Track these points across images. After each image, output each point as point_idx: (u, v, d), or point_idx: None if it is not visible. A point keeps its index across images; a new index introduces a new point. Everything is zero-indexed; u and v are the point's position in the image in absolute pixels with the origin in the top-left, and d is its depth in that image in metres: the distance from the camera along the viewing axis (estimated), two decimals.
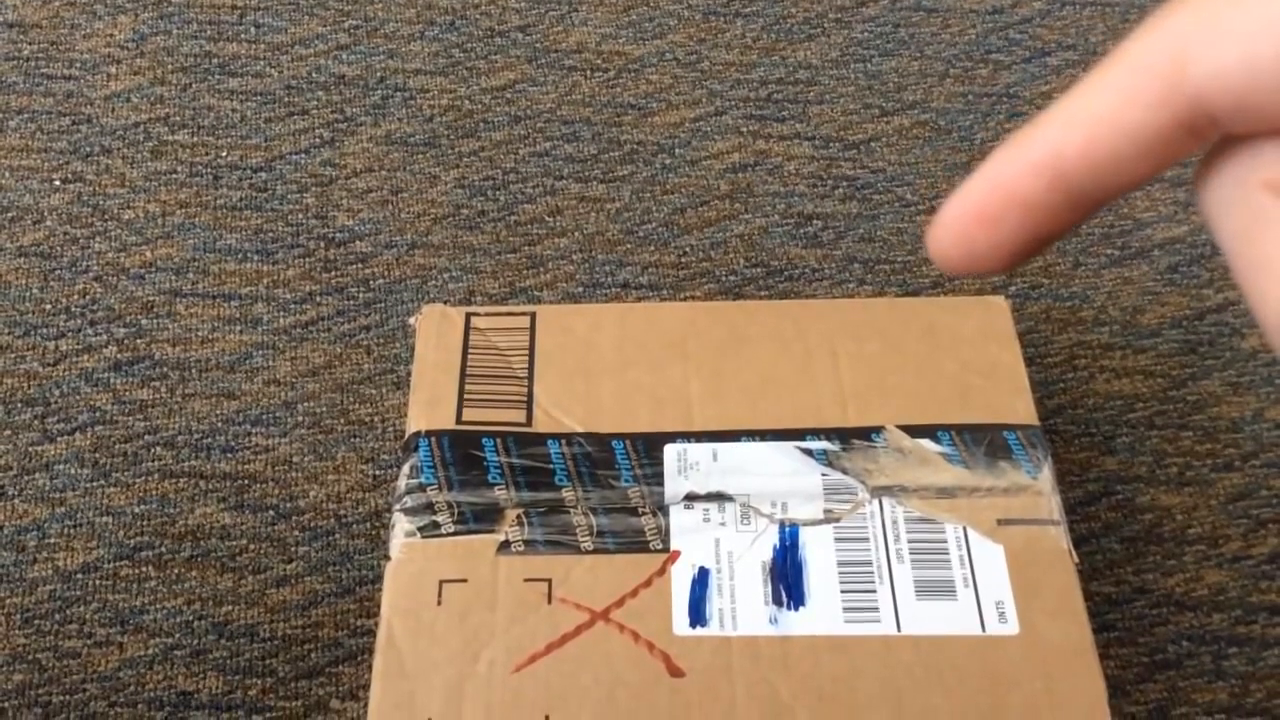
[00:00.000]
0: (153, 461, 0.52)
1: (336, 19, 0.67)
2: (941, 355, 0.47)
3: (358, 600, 0.49)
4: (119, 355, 0.55)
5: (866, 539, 0.42)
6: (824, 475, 0.44)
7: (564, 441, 0.45)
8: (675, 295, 0.58)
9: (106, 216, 0.59)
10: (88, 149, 0.62)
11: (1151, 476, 0.53)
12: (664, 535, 0.43)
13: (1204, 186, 0.17)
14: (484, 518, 0.43)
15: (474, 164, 0.62)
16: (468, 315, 0.49)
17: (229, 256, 0.58)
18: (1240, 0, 0.15)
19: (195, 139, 0.62)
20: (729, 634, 0.40)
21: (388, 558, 0.43)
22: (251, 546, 0.50)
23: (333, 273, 0.58)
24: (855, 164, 0.63)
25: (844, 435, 0.45)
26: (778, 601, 0.41)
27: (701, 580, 0.41)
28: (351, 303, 0.57)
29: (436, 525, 0.43)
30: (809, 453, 0.45)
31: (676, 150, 0.63)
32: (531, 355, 0.47)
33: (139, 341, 0.56)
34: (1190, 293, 0.58)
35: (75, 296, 0.57)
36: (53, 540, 0.50)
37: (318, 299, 0.57)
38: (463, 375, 0.47)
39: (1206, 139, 0.16)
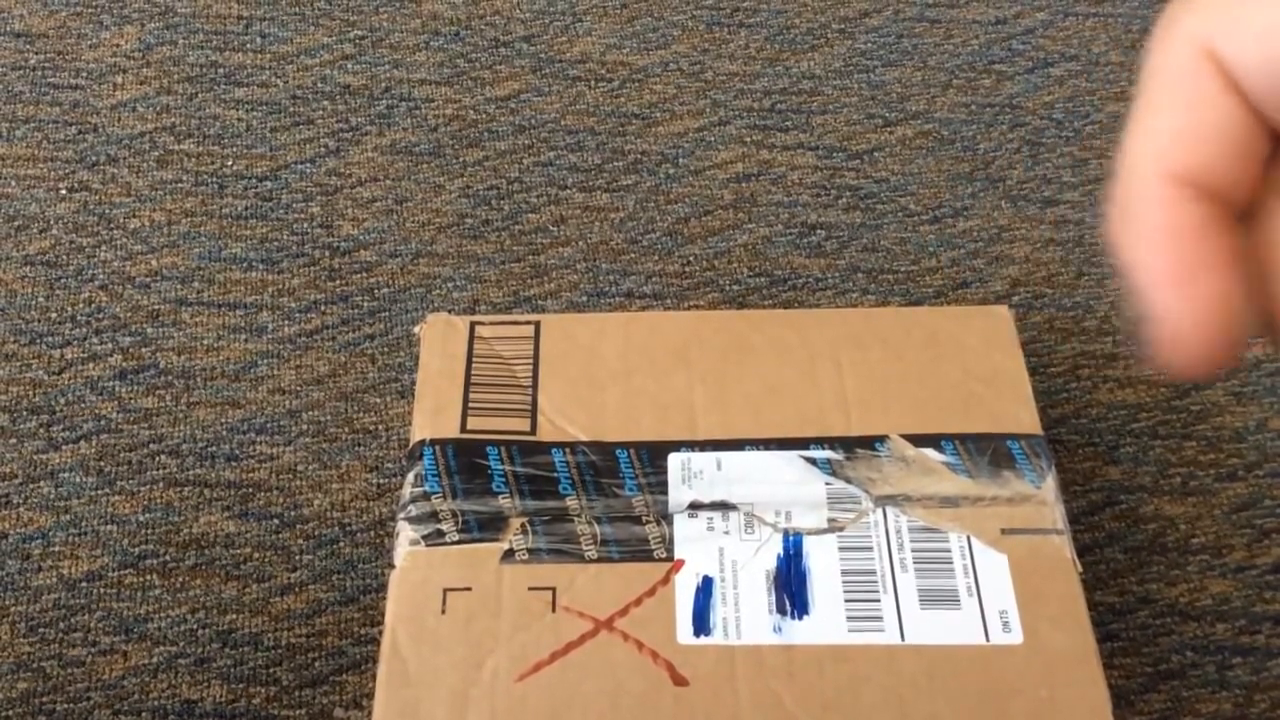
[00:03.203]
0: (157, 470, 0.53)
1: (342, 29, 0.67)
2: (945, 364, 0.47)
3: (362, 609, 0.49)
4: (124, 363, 0.55)
5: (870, 548, 0.42)
6: (828, 484, 0.44)
7: (568, 450, 0.45)
8: (679, 304, 0.58)
9: (112, 225, 0.60)
10: (94, 158, 0.62)
11: (1155, 486, 0.53)
12: (668, 544, 0.43)
13: None
14: (488, 526, 0.43)
15: (478, 173, 0.62)
16: (472, 324, 0.49)
17: (234, 265, 0.59)
18: (1249, 12, 0.15)
19: (201, 148, 0.63)
20: (733, 643, 0.40)
21: (392, 566, 0.43)
22: (256, 555, 0.51)
23: (337, 282, 0.58)
24: (859, 174, 0.63)
25: (848, 444, 0.45)
26: (781, 610, 0.41)
27: (705, 589, 0.42)
28: (356, 311, 0.57)
29: (441, 534, 0.43)
30: (813, 462, 0.45)
31: (680, 160, 0.63)
32: (536, 364, 0.47)
33: (144, 350, 0.56)
34: None
35: (81, 305, 0.57)
36: (57, 548, 0.51)
37: (322, 308, 0.57)
38: (467, 384, 0.47)
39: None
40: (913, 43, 0.68)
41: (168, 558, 0.50)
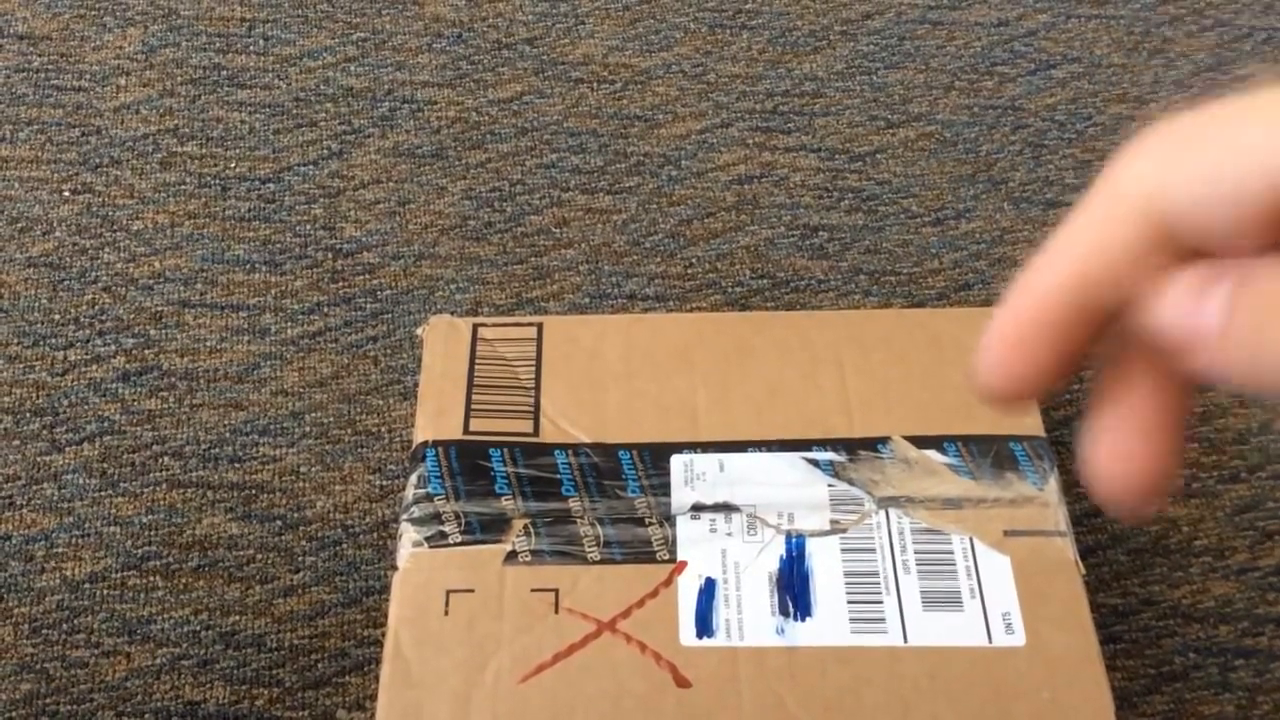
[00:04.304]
0: (160, 471, 0.53)
1: (345, 31, 0.68)
2: (947, 366, 0.47)
3: (365, 610, 0.49)
4: (127, 365, 0.55)
5: (873, 550, 0.42)
6: (830, 486, 0.44)
7: (571, 452, 0.45)
8: (681, 306, 0.58)
9: (115, 227, 0.60)
10: (97, 160, 0.62)
11: None
12: (670, 545, 0.43)
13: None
14: (491, 528, 0.43)
15: (481, 175, 0.62)
16: (475, 326, 0.49)
17: (237, 267, 0.59)
18: (1196, 143, 0.17)
19: (204, 150, 0.63)
20: (735, 644, 0.40)
21: (395, 568, 0.43)
22: (259, 556, 0.51)
23: (340, 283, 0.58)
24: (861, 176, 0.63)
25: (850, 446, 0.45)
26: (784, 612, 0.41)
27: (708, 591, 0.42)
28: (359, 313, 0.57)
29: (444, 535, 0.43)
30: (815, 463, 0.45)
31: (683, 162, 0.63)
32: (538, 366, 0.47)
33: (147, 352, 0.56)
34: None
35: (84, 307, 0.57)
36: (60, 550, 0.51)
37: (325, 310, 0.57)
38: (470, 386, 0.47)
39: (1179, 255, 0.18)
40: (915, 45, 0.68)
41: (171, 559, 0.50)
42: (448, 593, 0.42)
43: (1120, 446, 0.19)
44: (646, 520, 0.43)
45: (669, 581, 0.42)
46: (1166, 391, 0.19)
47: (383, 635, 0.42)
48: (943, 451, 0.45)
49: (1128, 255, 0.18)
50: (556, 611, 0.41)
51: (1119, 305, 0.19)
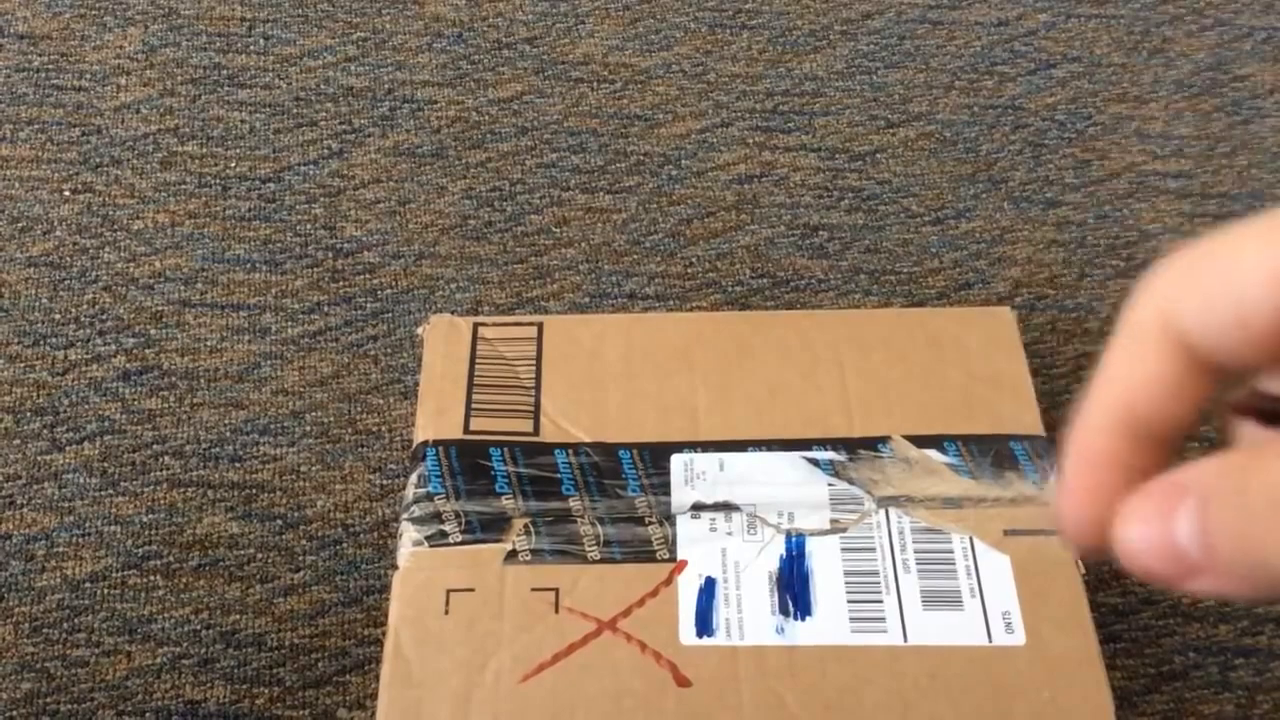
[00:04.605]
0: (161, 471, 0.53)
1: (345, 31, 0.68)
2: (947, 366, 0.47)
3: (365, 610, 0.49)
4: (128, 365, 0.55)
5: (873, 549, 0.42)
6: (830, 485, 0.44)
7: (571, 451, 0.45)
8: (681, 306, 0.58)
9: (116, 227, 0.60)
10: (97, 160, 0.62)
11: None
12: (671, 545, 0.43)
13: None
14: (491, 527, 0.43)
15: (481, 175, 0.62)
16: (475, 325, 0.49)
17: (237, 267, 0.59)
18: (1204, 267, 0.18)
19: (204, 150, 0.63)
20: (736, 644, 0.40)
21: (395, 567, 0.43)
22: (259, 555, 0.51)
23: (340, 283, 0.58)
24: (861, 175, 0.63)
25: (850, 445, 0.45)
26: (784, 611, 0.41)
27: (708, 590, 0.42)
28: (359, 313, 0.57)
29: (444, 534, 0.43)
30: (815, 463, 0.45)
31: (683, 161, 0.63)
32: (538, 365, 0.47)
33: (148, 351, 0.56)
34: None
35: (84, 306, 0.57)
36: (61, 549, 0.51)
37: (326, 309, 0.57)
38: (470, 385, 0.47)
39: (1216, 375, 0.19)
40: (915, 44, 0.68)
41: (171, 559, 0.50)
42: (448, 592, 0.42)
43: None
44: (647, 519, 0.43)
45: (669, 581, 0.42)
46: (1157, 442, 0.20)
47: (383, 634, 0.42)
48: (943, 451, 0.45)
49: (1161, 380, 0.19)
50: (557, 611, 0.41)
51: (1178, 428, 0.19)
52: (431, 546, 0.43)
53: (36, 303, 0.57)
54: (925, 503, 0.44)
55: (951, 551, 0.42)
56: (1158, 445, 0.20)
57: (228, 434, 0.54)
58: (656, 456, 0.45)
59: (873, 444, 0.45)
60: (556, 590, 0.42)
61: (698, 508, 0.44)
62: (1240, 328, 0.18)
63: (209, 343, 0.56)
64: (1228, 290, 0.18)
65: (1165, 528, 0.18)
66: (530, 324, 0.49)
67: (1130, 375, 0.19)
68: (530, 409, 0.46)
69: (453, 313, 0.52)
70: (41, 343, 0.56)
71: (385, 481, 0.52)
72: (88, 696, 0.47)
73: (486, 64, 0.67)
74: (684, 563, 0.42)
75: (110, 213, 0.60)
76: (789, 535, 0.43)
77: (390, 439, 0.54)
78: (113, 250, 0.59)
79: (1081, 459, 0.20)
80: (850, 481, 0.44)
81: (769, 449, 0.45)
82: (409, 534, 0.43)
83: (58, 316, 0.57)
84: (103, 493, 0.52)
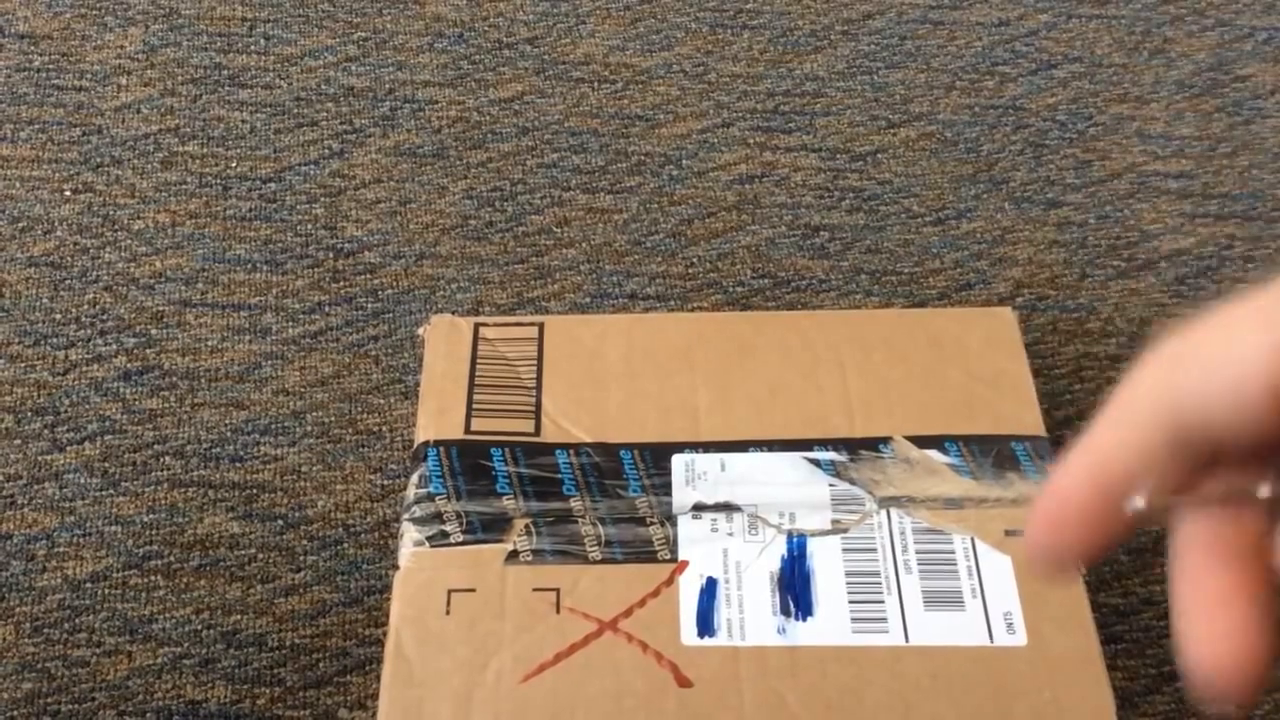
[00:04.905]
0: (162, 471, 0.53)
1: (346, 31, 0.68)
2: (948, 366, 0.47)
3: (366, 610, 0.49)
4: (128, 365, 0.55)
5: (874, 549, 0.42)
6: (831, 486, 0.44)
7: (572, 451, 0.45)
8: (682, 306, 0.58)
9: (116, 227, 0.60)
10: (98, 160, 0.62)
11: None
12: (672, 545, 0.43)
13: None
14: (492, 527, 0.43)
15: (482, 175, 0.62)
16: (476, 325, 0.49)
17: (238, 267, 0.59)
18: (1201, 349, 0.19)
19: (205, 150, 0.63)
20: (737, 644, 0.40)
21: (396, 567, 0.43)
22: (260, 556, 0.51)
23: (341, 283, 0.58)
24: (862, 175, 0.63)
25: (851, 446, 0.45)
26: (785, 612, 0.41)
27: (709, 590, 0.42)
28: (360, 313, 0.57)
29: (445, 534, 0.43)
30: (816, 463, 0.45)
31: (684, 161, 0.63)
32: (539, 365, 0.47)
33: (148, 351, 0.56)
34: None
35: (85, 306, 0.57)
36: (62, 549, 0.51)
37: (326, 309, 0.57)
38: (471, 385, 0.47)
39: (1194, 459, 0.20)
40: (916, 45, 0.68)
41: (172, 559, 0.50)
42: (449, 592, 0.42)
43: (1211, 625, 0.20)
44: (648, 520, 0.43)
45: (670, 581, 0.42)
46: (1244, 560, 0.20)
47: (384, 634, 0.42)
48: (944, 451, 0.45)
49: (1142, 456, 0.20)
50: (558, 611, 0.41)
51: (1152, 507, 0.20)
52: (433, 546, 0.43)
53: (37, 302, 0.57)
54: (926, 503, 0.44)
55: (953, 552, 0.42)
56: (1118, 515, 0.21)
57: (228, 434, 0.54)
58: (658, 457, 0.45)
59: (874, 444, 0.45)
60: (558, 590, 0.42)
61: (699, 508, 0.44)
62: (1237, 403, 0.18)
63: (210, 343, 0.56)
64: (1226, 367, 0.18)
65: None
66: (531, 324, 0.49)
67: (1113, 445, 0.20)
68: (531, 409, 0.46)
69: (453, 313, 0.52)
70: (42, 342, 0.56)
71: (386, 482, 0.52)
72: (89, 696, 0.47)
73: (487, 64, 0.67)
74: (685, 563, 0.42)
75: (111, 213, 0.60)
76: (790, 535, 0.43)
77: (391, 439, 0.54)
78: (113, 250, 0.59)
79: (1055, 498, 0.21)
80: (851, 482, 0.44)
81: (770, 449, 0.45)
82: (410, 534, 0.43)
83: (58, 316, 0.57)
84: (104, 493, 0.52)
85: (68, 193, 0.61)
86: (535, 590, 0.42)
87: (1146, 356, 0.20)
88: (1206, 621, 0.20)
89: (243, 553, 0.51)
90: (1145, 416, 0.20)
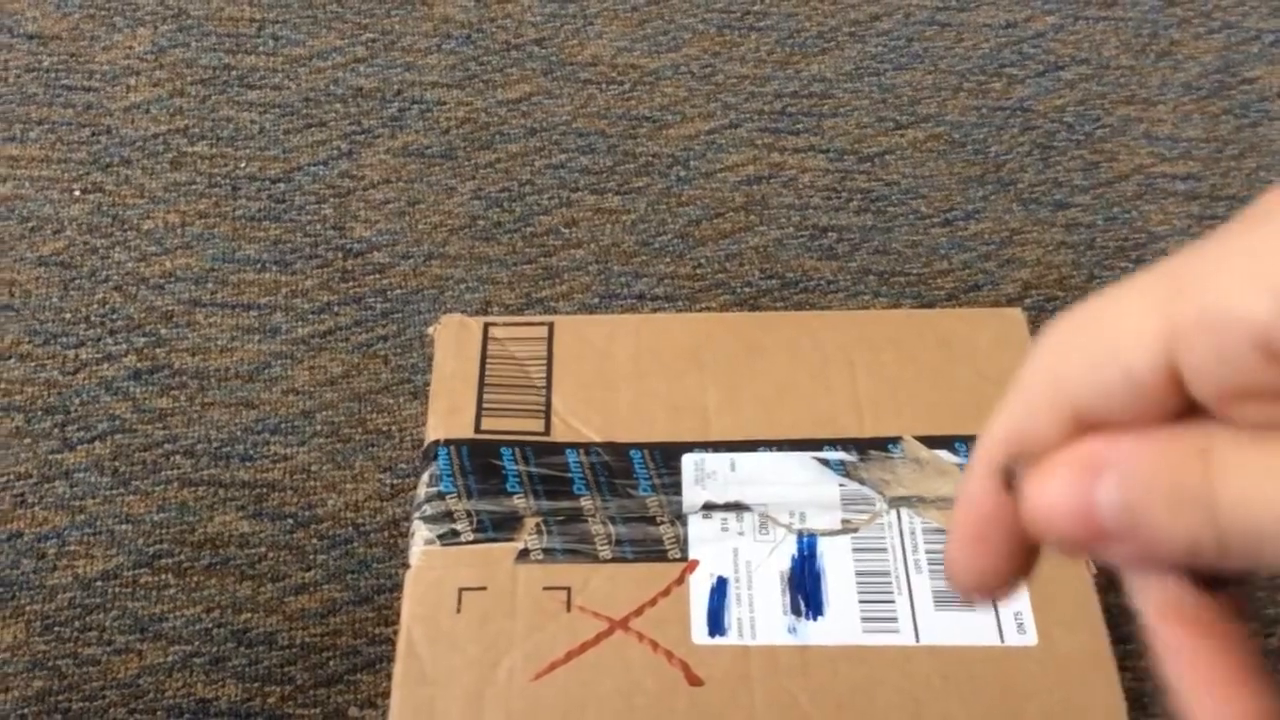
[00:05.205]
0: (172, 470, 0.53)
1: (354, 32, 0.68)
2: (957, 366, 0.47)
3: (376, 609, 0.49)
4: (138, 364, 0.56)
5: (884, 549, 0.43)
6: (841, 485, 0.44)
7: (582, 451, 0.45)
8: (690, 306, 0.58)
9: (126, 226, 0.60)
10: (107, 159, 0.62)
11: None
12: (682, 544, 0.43)
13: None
14: (503, 526, 0.43)
15: (490, 176, 0.62)
16: (486, 325, 0.49)
17: (247, 267, 0.59)
18: (1088, 331, 0.18)
19: (214, 150, 0.63)
20: (748, 643, 0.40)
21: (407, 565, 0.43)
22: (270, 554, 0.51)
23: (350, 283, 0.58)
24: (870, 176, 0.63)
25: (861, 446, 0.45)
26: (796, 611, 0.41)
27: (720, 589, 0.42)
28: (369, 313, 0.58)
29: (456, 533, 0.43)
30: (826, 463, 0.45)
31: (691, 162, 0.63)
32: (549, 365, 0.48)
33: (158, 350, 0.56)
34: None
35: (95, 306, 0.57)
36: (72, 548, 0.51)
37: (335, 309, 0.58)
38: (481, 385, 0.47)
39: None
40: (923, 46, 0.68)
41: (182, 557, 0.51)
42: (460, 590, 0.42)
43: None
44: (658, 519, 0.43)
45: (681, 580, 0.42)
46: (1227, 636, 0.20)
47: (394, 633, 0.42)
48: (953, 451, 0.45)
49: (1045, 442, 0.19)
50: (569, 609, 0.41)
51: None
52: (443, 545, 0.43)
53: (47, 302, 0.58)
54: (936, 503, 0.44)
55: None
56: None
57: (238, 433, 0.54)
58: (667, 456, 0.45)
59: (883, 444, 0.45)
60: (568, 589, 0.42)
61: (709, 507, 0.44)
62: (1126, 390, 0.18)
63: (219, 342, 0.56)
64: (1112, 354, 0.18)
65: (1085, 495, 0.18)
66: (541, 324, 0.49)
67: (1017, 433, 0.19)
68: (541, 409, 0.46)
69: (462, 313, 0.52)
70: (52, 342, 0.56)
71: (395, 481, 0.53)
72: (99, 694, 0.47)
73: (495, 65, 0.67)
74: (695, 562, 0.42)
75: (120, 212, 0.60)
76: (800, 535, 0.43)
77: (400, 438, 0.54)
78: (123, 250, 0.59)
79: (961, 513, 0.20)
80: (861, 482, 0.44)
81: (780, 449, 0.45)
82: (421, 533, 0.43)
83: (68, 316, 0.57)
84: (114, 491, 0.52)
85: (77, 192, 0.61)
86: (546, 589, 0.42)
87: (1036, 343, 0.19)
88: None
89: (253, 551, 0.51)
90: (1040, 405, 0.19)
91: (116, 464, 0.53)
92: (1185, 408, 0.18)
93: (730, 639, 0.41)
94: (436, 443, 0.45)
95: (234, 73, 0.66)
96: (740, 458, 0.45)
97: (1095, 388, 0.18)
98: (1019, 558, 0.20)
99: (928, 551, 0.42)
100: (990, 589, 0.20)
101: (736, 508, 0.44)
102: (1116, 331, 0.18)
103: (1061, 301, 0.59)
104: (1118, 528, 0.18)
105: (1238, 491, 0.17)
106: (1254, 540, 0.17)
